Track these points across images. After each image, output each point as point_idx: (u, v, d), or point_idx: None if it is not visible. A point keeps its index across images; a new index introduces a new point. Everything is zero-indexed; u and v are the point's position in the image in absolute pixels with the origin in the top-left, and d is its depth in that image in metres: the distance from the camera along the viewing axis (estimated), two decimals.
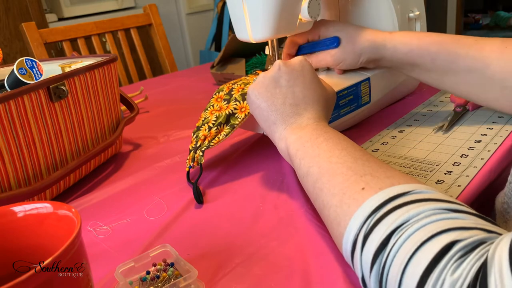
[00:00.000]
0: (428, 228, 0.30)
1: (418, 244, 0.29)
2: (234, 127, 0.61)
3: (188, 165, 0.61)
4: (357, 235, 0.34)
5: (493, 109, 0.68)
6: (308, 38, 0.71)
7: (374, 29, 0.67)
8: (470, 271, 0.26)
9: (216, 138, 0.61)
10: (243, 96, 0.63)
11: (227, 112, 0.62)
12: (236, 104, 0.63)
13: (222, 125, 0.62)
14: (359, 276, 0.34)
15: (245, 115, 0.61)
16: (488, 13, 4.14)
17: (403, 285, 0.29)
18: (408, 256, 0.29)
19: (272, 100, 0.52)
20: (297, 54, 0.71)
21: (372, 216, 0.34)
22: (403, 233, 0.31)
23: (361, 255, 0.34)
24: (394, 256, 0.31)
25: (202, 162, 0.60)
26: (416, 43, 0.63)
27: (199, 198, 0.56)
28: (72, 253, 0.29)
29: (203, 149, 0.60)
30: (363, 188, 0.37)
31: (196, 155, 0.60)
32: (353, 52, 0.66)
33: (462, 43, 0.61)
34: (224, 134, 0.61)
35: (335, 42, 0.67)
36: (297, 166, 0.47)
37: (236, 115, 0.62)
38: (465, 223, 0.30)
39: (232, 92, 0.64)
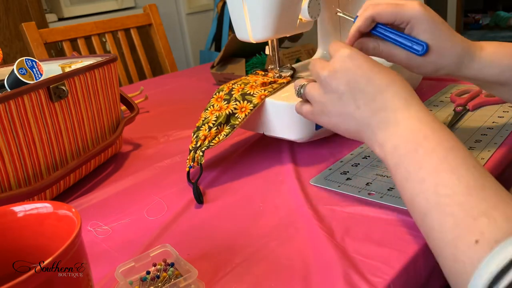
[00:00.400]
0: None
1: None
2: (234, 127, 0.61)
3: (188, 165, 0.61)
4: None
5: None
6: (395, 19, 0.52)
7: (463, 37, 0.54)
8: None
9: (216, 138, 0.61)
10: (243, 96, 0.63)
11: (227, 112, 0.62)
12: (236, 104, 0.63)
13: (222, 125, 0.62)
14: None
15: (245, 115, 0.61)
16: (488, 13, 4.14)
17: None
18: None
19: (342, 109, 0.46)
20: (371, 32, 0.54)
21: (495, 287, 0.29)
22: None
23: None
24: None
25: (202, 162, 0.60)
26: (508, 63, 0.52)
27: (199, 198, 0.56)
28: (72, 253, 0.29)
29: (203, 149, 0.60)
30: (476, 241, 0.31)
31: (196, 155, 0.60)
32: (436, 64, 0.53)
33: None
34: (224, 134, 0.61)
35: (422, 49, 0.52)
36: (399, 185, 0.41)
37: (236, 115, 0.62)
38: None
39: (232, 92, 0.64)
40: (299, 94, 0.53)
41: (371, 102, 0.44)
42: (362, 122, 0.45)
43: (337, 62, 0.46)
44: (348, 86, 0.45)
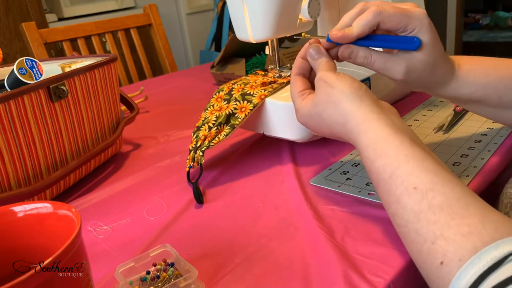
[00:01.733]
0: None
1: None
2: (234, 127, 0.61)
3: (188, 165, 0.61)
4: None
5: None
6: (400, 26, 0.47)
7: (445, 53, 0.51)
8: None
9: (216, 138, 0.61)
10: (243, 96, 0.63)
11: (227, 112, 0.62)
12: (236, 104, 0.63)
13: (222, 125, 0.62)
14: None
15: (245, 115, 0.61)
16: (488, 13, 4.14)
17: None
18: None
19: (319, 125, 0.48)
20: (362, 44, 0.49)
21: None
22: None
23: None
24: None
25: (202, 162, 0.60)
26: (483, 82, 0.51)
27: (199, 198, 0.56)
28: (72, 253, 0.29)
29: (203, 149, 0.60)
30: (441, 263, 0.32)
31: (196, 155, 0.60)
32: (428, 78, 0.50)
33: None
34: (224, 134, 0.61)
35: (415, 42, 0.47)
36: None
37: (236, 115, 0.62)
38: None
39: (232, 92, 0.64)
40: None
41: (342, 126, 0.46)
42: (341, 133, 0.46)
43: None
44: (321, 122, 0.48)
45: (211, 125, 0.63)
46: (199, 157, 0.60)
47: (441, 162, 0.40)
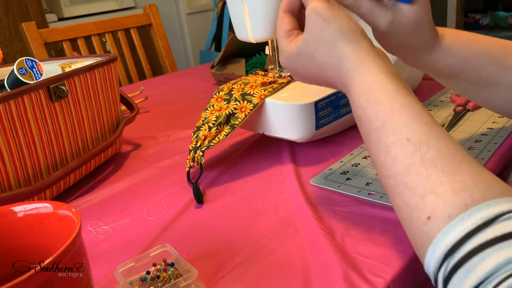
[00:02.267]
0: None
1: None
2: (234, 127, 0.61)
3: (188, 165, 0.61)
4: (437, 274, 0.30)
5: None
6: None
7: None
8: None
9: (216, 138, 0.61)
10: (243, 96, 0.63)
11: (227, 112, 0.62)
12: (236, 104, 0.63)
13: (222, 125, 0.62)
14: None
15: (245, 115, 0.61)
16: (488, 13, 4.14)
17: None
18: None
19: (308, 67, 0.44)
20: None
21: (449, 259, 0.29)
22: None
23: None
24: None
25: (202, 162, 0.60)
26: (464, 55, 0.50)
27: (199, 198, 0.56)
28: (72, 253, 0.29)
29: (203, 149, 0.60)
30: (428, 218, 0.31)
31: (196, 155, 0.60)
32: (411, 37, 0.48)
33: (508, 52, 0.50)
34: (224, 134, 0.61)
35: None
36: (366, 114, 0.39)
37: (236, 115, 0.62)
38: None
39: (232, 92, 0.64)
40: None
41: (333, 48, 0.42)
42: (331, 70, 0.42)
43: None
44: (307, 46, 0.43)
45: (211, 125, 0.63)
46: (199, 157, 0.60)
47: (433, 117, 0.37)
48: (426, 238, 0.31)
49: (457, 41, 0.51)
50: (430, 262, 0.30)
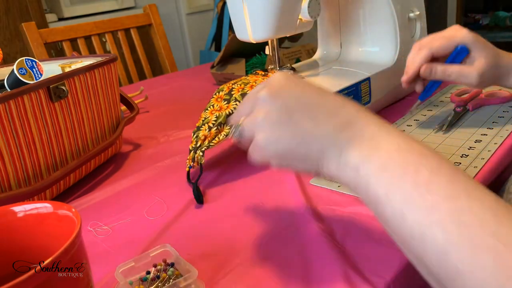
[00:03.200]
0: None
1: None
2: None
3: (188, 165, 0.61)
4: None
5: None
6: (450, 50, 0.62)
7: (506, 52, 0.64)
8: None
9: (216, 138, 0.61)
10: (243, 96, 0.63)
11: (227, 112, 0.62)
12: (236, 104, 0.63)
13: (222, 125, 0.62)
14: None
15: None
16: (488, 13, 4.14)
17: None
18: None
19: (297, 127, 0.36)
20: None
21: None
22: None
23: None
24: None
25: (202, 162, 0.60)
26: None
27: (199, 198, 0.56)
28: (72, 253, 0.29)
29: (203, 149, 0.60)
30: None
31: (196, 155, 0.60)
32: (494, 77, 0.62)
33: None
34: (224, 134, 0.61)
35: (464, 50, 0.61)
36: (393, 214, 0.31)
37: None
38: None
39: (232, 92, 0.64)
40: (236, 134, 0.40)
41: (333, 117, 0.35)
42: (326, 140, 0.35)
43: (276, 80, 0.38)
44: (298, 102, 0.36)
45: (211, 125, 0.63)
46: (199, 157, 0.60)
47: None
48: None
49: None
50: None
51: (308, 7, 0.64)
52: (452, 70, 0.61)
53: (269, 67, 0.71)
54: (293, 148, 0.36)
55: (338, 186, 0.55)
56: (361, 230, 0.46)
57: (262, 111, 0.37)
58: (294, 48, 1.14)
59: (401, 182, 0.31)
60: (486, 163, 0.56)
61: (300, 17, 0.66)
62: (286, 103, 0.36)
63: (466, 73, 0.60)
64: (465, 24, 3.86)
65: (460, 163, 0.57)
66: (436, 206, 0.29)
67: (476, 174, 0.54)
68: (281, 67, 0.70)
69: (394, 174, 0.31)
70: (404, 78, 0.65)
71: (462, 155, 0.59)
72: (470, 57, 0.61)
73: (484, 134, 0.65)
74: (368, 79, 0.71)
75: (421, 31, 0.83)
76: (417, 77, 0.64)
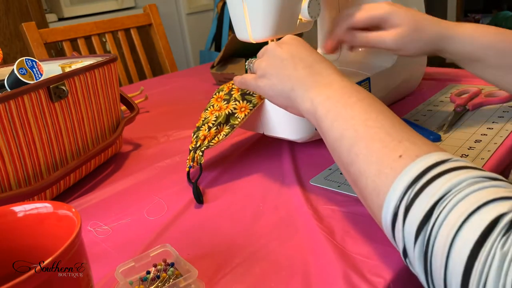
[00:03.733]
0: (473, 198, 0.30)
1: (465, 216, 0.29)
2: (234, 127, 0.61)
3: (188, 165, 0.61)
4: (398, 206, 0.34)
5: None
6: (370, 23, 0.65)
7: (438, 19, 0.64)
8: None
9: (216, 138, 0.61)
10: (243, 96, 0.63)
11: (227, 112, 0.62)
12: (235, 104, 0.63)
13: (222, 125, 0.62)
14: (400, 248, 0.34)
15: (245, 115, 0.61)
16: (492, 12, 4.13)
17: (451, 258, 0.29)
18: (455, 229, 0.29)
19: (281, 70, 0.50)
20: None
21: (413, 187, 0.33)
22: (447, 203, 0.31)
23: (403, 227, 0.33)
24: (440, 228, 0.30)
25: (202, 162, 0.60)
26: (483, 40, 0.61)
27: (199, 198, 0.56)
28: (72, 253, 0.29)
29: (203, 149, 0.60)
30: (400, 156, 0.36)
31: (196, 155, 0.60)
32: (419, 41, 0.62)
33: None
34: (224, 134, 0.61)
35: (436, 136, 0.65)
36: (327, 128, 0.44)
37: (235, 115, 0.62)
38: (507, 192, 0.30)
39: (232, 92, 0.64)
40: (249, 69, 0.58)
41: (308, 67, 0.49)
42: (297, 81, 0.49)
43: (285, 38, 0.54)
44: (290, 54, 0.51)
45: (210, 125, 0.63)
46: (199, 157, 0.60)
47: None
48: (392, 174, 0.35)
49: (475, 30, 0.61)
50: (392, 196, 0.34)
51: (308, 7, 0.64)
52: (371, 36, 0.64)
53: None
54: (274, 83, 0.51)
55: (338, 186, 0.55)
56: (361, 230, 0.46)
57: (265, 57, 0.54)
58: None
59: (336, 104, 0.44)
60: (486, 163, 0.56)
61: (300, 17, 0.66)
62: (281, 54, 0.52)
63: (384, 37, 0.63)
64: None
65: None
66: (355, 117, 0.41)
67: None
68: None
69: (333, 100, 0.44)
70: (328, 43, 0.69)
71: (462, 155, 0.59)
72: (389, 23, 0.63)
73: (484, 134, 0.65)
74: (368, 79, 0.71)
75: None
76: (339, 43, 0.70)
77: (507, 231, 0.28)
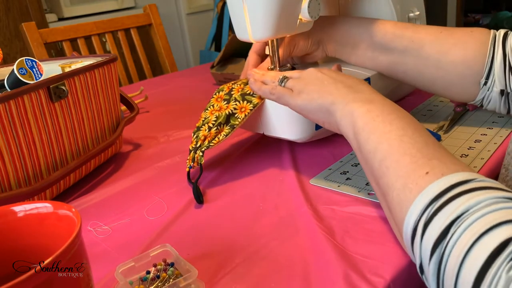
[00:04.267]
0: (487, 219, 0.30)
1: (476, 236, 0.30)
2: (234, 127, 0.61)
3: (188, 165, 0.61)
4: (418, 222, 0.35)
5: (430, 92, 0.70)
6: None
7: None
8: None
9: (216, 138, 0.61)
10: (243, 96, 0.63)
11: (227, 112, 0.62)
12: (236, 104, 0.63)
13: (222, 125, 0.62)
14: (417, 262, 0.35)
15: (245, 115, 0.61)
16: (491, 13, 4.13)
17: (460, 277, 0.30)
18: (466, 249, 0.30)
19: (322, 87, 0.51)
20: None
21: (433, 204, 0.34)
22: (462, 223, 0.31)
23: (421, 242, 0.34)
24: (453, 247, 0.31)
25: (202, 162, 0.60)
26: (357, 23, 0.68)
27: (199, 198, 0.56)
28: (72, 253, 0.29)
29: (203, 149, 0.60)
30: (427, 173, 0.37)
31: (196, 155, 0.60)
32: (304, 34, 0.68)
33: (400, 26, 0.66)
34: (224, 134, 0.61)
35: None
36: (363, 141, 0.45)
37: (236, 115, 0.62)
38: None
39: (232, 92, 0.64)
40: (281, 83, 0.58)
41: (349, 87, 0.50)
42: (339, 95, 0.49)
43: (323, 69, 0.56)
44: (330, 76, 0.53)
45: (211, 125, 0.63)
46: (199, 157, 0.60)
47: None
48: (416, 189, 0.36)
49: (353, 17, 0.71)
50: (414, 211, 0.35)
51: (308, 7, 0.64)
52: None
53: (268, 67, 0.71)
54: (314, 98, 0.52)
55: (338, 186, 0.55)
56: (361, 230, 0.46)
57: (304, 76, 0.55)
58: None
59: (376, 118, 0.44)
60: (485, 163, 0.56)
61: (300, 17, 0.66)
62: (322, 76, 0.53)
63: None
64: (464, 24, 3.86)
65: None
66: (392, 132, 0.42)
67: None
68: (281, 67, 0.70)
69: (373, 114, 0.45)
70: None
71: (462, 155, 0.59)
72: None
73: (484, 134, 0.65)
74: (368, 79, 0.71)
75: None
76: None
77: None
